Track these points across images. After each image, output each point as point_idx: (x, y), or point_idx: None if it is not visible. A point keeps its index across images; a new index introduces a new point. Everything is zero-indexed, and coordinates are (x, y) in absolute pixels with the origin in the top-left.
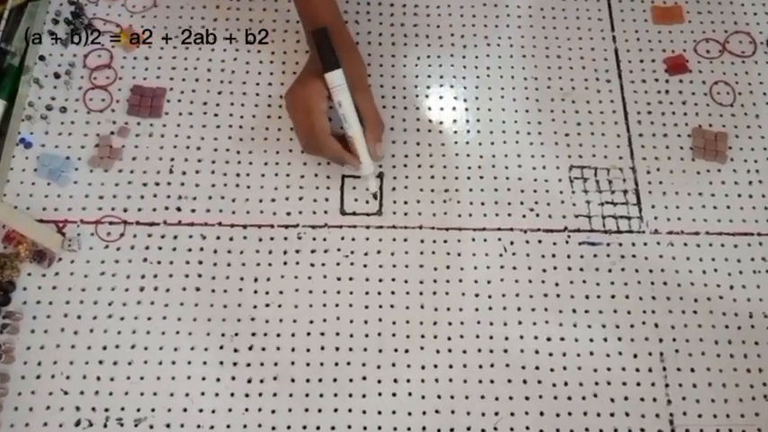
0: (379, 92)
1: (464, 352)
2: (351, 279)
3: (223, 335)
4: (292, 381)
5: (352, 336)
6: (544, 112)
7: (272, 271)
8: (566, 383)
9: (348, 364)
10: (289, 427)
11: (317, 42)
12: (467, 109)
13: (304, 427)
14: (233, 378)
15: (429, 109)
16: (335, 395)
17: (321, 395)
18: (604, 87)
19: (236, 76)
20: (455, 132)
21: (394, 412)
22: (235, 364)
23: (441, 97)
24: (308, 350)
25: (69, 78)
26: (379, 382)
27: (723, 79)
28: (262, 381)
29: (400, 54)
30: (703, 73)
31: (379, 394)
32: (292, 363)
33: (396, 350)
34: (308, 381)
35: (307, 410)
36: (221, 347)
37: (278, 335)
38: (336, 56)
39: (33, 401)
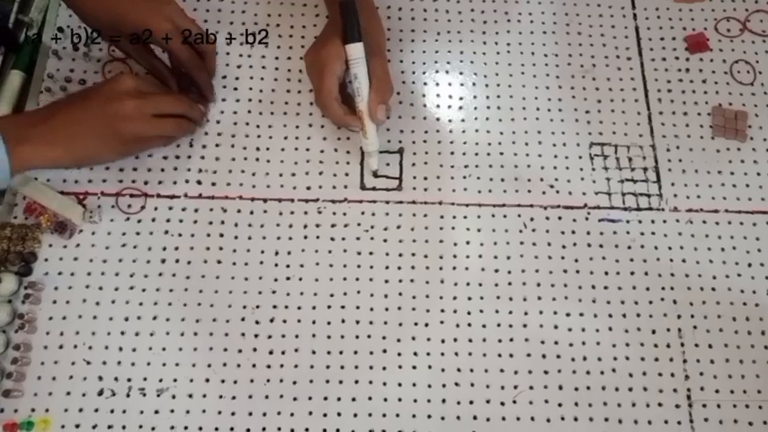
0: (399, 67)
1: (484, 326)
2: (371, 254)
3: (244, 307)
4: (313, 353)
5: (372, 309)
6: (564, 90)
7: (293, 245)
8: (584, 358)
9: (369, 337)
10: (310, 398)
11: (343, 13)
12: (486, 85)
13: (325, 398)
14: (254, 350)
15: (449, 85)
16: (356, 367)
17: (342, 367)
18: (625, 65)
19: (254, 50)
20: (475, 109)
21: (414, 384)
22: (256, 335)
23: (461, 73)
24: (329, 323)
25: (88, 50)
26: (400, 354)
27: (743, 58)
28: (283, 352)
29: (420, 30)
30: (724, 51)
31: (400, 367)
32: (313, 335)
33: (416, 324)
34: (328, 353)
35: (328, 382)
36: (243, 319)
37: (299, 308)
38: (360, 29)
39: (56, 371)
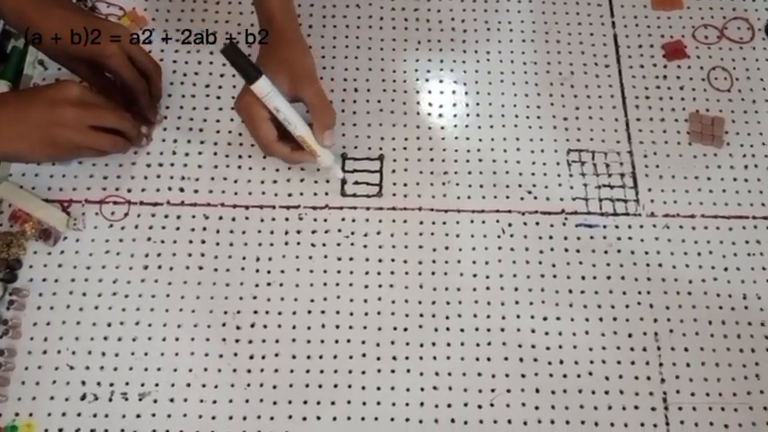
0: (380, 76)
1: (461, 331)
2: (351, 259)
3: (225, 312)
4: (293, 357)
5: (351, 314)
6: (543, 97)
7: (274, 251)
8: (561, 362)
9: (348, 341)
10: (290, 402)
11: (229, 59)
12: (467, 93)
13: (305, 402)
14: (235, 354)
15: (429, 92)
16: (336, 371)
17: (321, 371)
18: (603, 72)
19: None
20: (455, 116)
21: (393, 388)
22: (237, 340)
23: (441, 81)
24: (309, 328)
25: None
26: (378, 359)
27: (721, 65)
28: (263, 357)
29: (401, 38)
30: (701, 59)
31: (378, 371)
32: (293, 340)
33: (394, 329)
34: (308, 357)
35: (307, 386)
36: (224, 325)
37: (279, 313)
38: (254, 66)
39: (40, 376)
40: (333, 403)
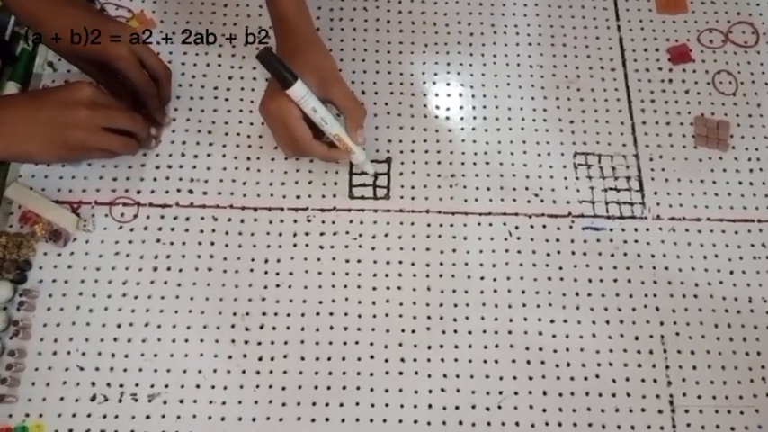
0: (387, 78)
1: (469, 333)
2: (359, 261)
3: (234, 314)
4: (302, 359)
5: (359, 316)
6: (549, 100)
7: (282, 253)
8: (568, 364)
9: (356, 343)
10: (298, 404)
11: (264, 65)
12: (473, 96)
13: (314, 404)
14: (244, 356)
15: (436, 95)
16: (344, 373)
17: (330, 373)
18: (609, 76)
19: (245, 62)
20: (462, 119)
21: (401, 390)
22: (246, 342)
23: (448, 84)
24: (317, 330)
25: None
26: (386, 361)
27: (726, 69)
28: (272, 359)
29: (408, 41)
30: (706, 62)
31: (386, 373)
32: (302, 342)
33: (402, 331)
34: (317, 359)
35: (316, 388)
36: (233, 326)
37: (288, 314)
38: (289, 71)
39: (50, 377)
40: (341, 405)
